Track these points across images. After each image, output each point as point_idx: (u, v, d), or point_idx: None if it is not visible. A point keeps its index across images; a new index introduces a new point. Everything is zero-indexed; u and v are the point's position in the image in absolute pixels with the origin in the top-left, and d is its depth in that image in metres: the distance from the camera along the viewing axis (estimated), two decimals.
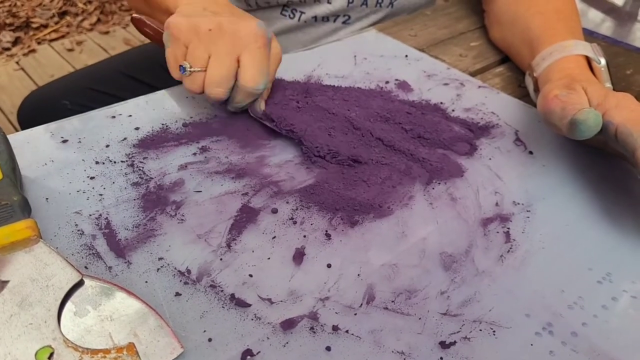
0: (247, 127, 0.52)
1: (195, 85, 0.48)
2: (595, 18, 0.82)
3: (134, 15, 0.55)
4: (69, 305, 0.33)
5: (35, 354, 0.30)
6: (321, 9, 0.76)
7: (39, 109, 0.86)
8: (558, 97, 0.45)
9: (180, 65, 0.48)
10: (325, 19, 0.77)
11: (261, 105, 0.51)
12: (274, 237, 0.41)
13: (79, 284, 0.34)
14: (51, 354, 0.30)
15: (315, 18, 0.77)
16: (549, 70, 0.53)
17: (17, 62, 2.07)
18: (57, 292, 0.33)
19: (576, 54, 0.52)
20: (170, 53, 0.49)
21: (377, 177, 0.46)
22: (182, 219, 0.42)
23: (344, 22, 0.77)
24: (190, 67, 0.48)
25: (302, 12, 0.76)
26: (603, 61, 0.52)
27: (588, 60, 0.53)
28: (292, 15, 0.77)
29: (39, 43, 2.21)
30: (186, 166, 0.47)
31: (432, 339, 0.34)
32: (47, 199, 0.43)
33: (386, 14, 0.78)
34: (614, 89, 0.51)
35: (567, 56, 0.53)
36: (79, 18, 2.38)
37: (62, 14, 2.39)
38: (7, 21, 2.27)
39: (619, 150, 0.43)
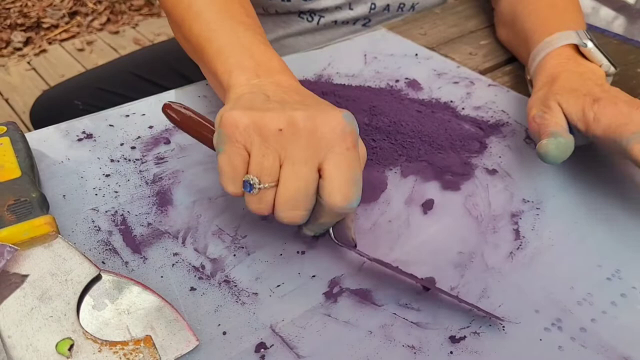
0: None
1: (264, 205, 0.35)
2: (607, 16, 0.82)
3: (167, 103, 0.42)
4: (87, 299, 0.34)
5: (56, 346, 0.31)
6: (342, 15, 0.75)
7: (51, 109, 0.87)
8: (534, 120, 0.46)
9: (245, 181, 0.35)
10: (345, 22, 0.77)
11: (352, 233, 0.39)
12: (286, 232, 0.41)
13: (97, 278, 0.35)
14: (71, 346, 0.31)
15: (335, 22, 0.76)
16: (536, 73, 0.53)
17: (28, 62, 2.10)
18: (76, 286, 0.34)
19: (560, 46, 0.52)
20: (225, 160, 0.35)
21: (385, 173, 0.46)
22: (196, 216, 0.42)
23: (363, 25, 0.78)
24: (260, 183, 0.35)
25: (321, 16, 0.75)
26: (589, 44, 0.51)
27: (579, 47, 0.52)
28: (310, 19, 0.76)
29: (49, 43, 2.23)
30: (199, 164, 0.47)
31: (442, 334, 0.35)
32: (64, 196, 0.44)
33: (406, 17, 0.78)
34: (622, 85, 0.51)
35: (552, 52, 0.52)
36: (89, 18, 2.40)
37: (73, 14, 2.41)
38: (19, 21, 2.29)
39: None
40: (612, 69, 0.51)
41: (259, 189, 0.35)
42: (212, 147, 0.39)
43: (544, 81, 0.50)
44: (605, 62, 0.51)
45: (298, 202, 0.35)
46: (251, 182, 0.35)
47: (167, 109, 0.42)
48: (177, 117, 0.41)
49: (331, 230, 0.38)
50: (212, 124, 0.40)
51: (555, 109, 0.46)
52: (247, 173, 0.35)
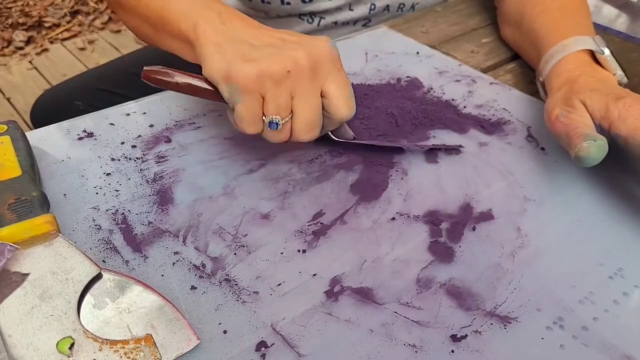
0: None
1: (284, 135, 0.43)
2: (609, 14, 0.82)
3: (147, 68, 0.43)
4: (88, 297, 0.34)
5: (57, 344, 0.31)
6: (342, 16, 0.75)
7: (52, 109, 0.87)
8: (559, 120, 0.45)
9: (270, 122, 0.41)
10: (345, 23, 0.77)
11: (347, 129, 0.48)
12: (287, 231, 0.41)
13: (98, 277, 0.35)
14: (72, 345, 0.31)
15: (335, 23, 0.76)
16: (551, 75, 0.52)
17: (30, 62, 2.10)
18: (77, 285, 0.34)
19: (576, 50, 0.52)
20: (244, 109, 0.41)
21: (387, 171, 0.46)
22: (196, 214, 0.42)
23: (363, 25, 0.77)
24: (282, 119, 0.41)
25: (322, 18, 0.75)
26: (607, 51, 0.51)
27: (594, 53, 0.52)
28: (310, 20, 0.76)
29: (51, 42, 2.23)
30: (199, 163, 0.47)
31: (444, 333, 0.35)
32: (64, 194, 0.43)
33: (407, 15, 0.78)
34: (628, 82, 0.51)
35: (568, 56, 0.51)
36: (91, 17, 2.40)
37: (74, 13, 2.41)
38: (20, 20, 2.30)
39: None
40: (624, 79, 0.51)
41: (283, 124, 0.41)
42: (202, 97, 0.43)
43: (562, 83, 0.49)
44: (619, 71, 0.51)
45: (313, 125, 0.42)
46: (275, 121, 0.41)
47: (161, 81, 0.43)
48: (162, 80, 0.43)
49: (330, 132, 0.46)
50: (192, 75, 0.43)
51: (580, 108, 0.45)
52: (263, 114, 0.41)
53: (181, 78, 0.43)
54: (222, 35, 0.42)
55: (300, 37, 0.43)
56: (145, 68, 0.43)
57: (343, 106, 0.42)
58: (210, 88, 0.42)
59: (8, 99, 1.90)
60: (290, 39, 0.42)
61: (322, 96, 0.42)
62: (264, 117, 0.41)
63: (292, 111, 0.42)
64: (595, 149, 0.41)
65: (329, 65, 0.41)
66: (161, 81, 0.43)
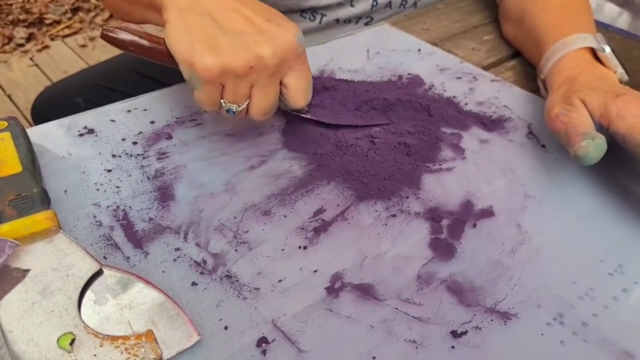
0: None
1: (239, 116, 0.45)
2: (611, 12, 0.82)
3: (105, 27, 0.42)
4: (88, 294, 0.34)
5: (57, 340, 0.31)
6: (344, 12, 0.75)
7: (52, 106, 0.87)
8: (559, 118, 0.45)
9: (228, 109, 0.44)
10: (347, 21, 0.76)
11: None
12: (288, 227, 0.41)
13: (98, 273, 0.35)
14: (73, 340, 0.31)
15: (337, 20, 0.76)
16: (551, 73, 0.52)
17: (31, 59, 2.10)
18: (77, 281, 0.34)
19: (577, 48, 0.51)
20: (203, 96, 0.43)
21: (387, 168, 0.46)
22: (197, 211, 0.42)
23: (365, 24, 0.77)
24: (239, 106, 0.44)
25: (323, 15, 0.75)
26: (607, 49, 0.51)
27: (594, 51, 0.52)
28: (312, 18, 0.75)
29: (52, 39, 2.23)
30: (200, 159, 0.47)
31: (444, 329, 0.35)
32: (65, 191, 0.44)
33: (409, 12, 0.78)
34: (629, 79, 0.51)
35: (568, 53, 0.51)
36: (92, 14, 2.40)
37: (75, 10, 2.41)
38: (21, 17, 2.29)
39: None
40: (625, 77, 0.51)
41: (239, 111, 0.44)
42: (161, 62, 0.44)
43: (562, 81, 0.49)
44: (620, 69, 0.51)
45: (268, 112, 0.45)
46: (232, 109, 0.43)
47: (120, 40, 0.43)
48: (132, 47, 0.43)
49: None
50: (152, 39, 0.43)
51: (580, 106, 0.45)
52: (222, 98, 0.43)
53: (137, 39, 0.42)
54: (191, 4, 0.42)
55: (268, 23, 0.42)
56: (103, 27, 0.43)
57: (299, 98, 0.46)
58: (167, 53, 0.42)
59: (9, 96, 1.90)
60: (259, 24, 0.42)
61: (281, 85, 0.44)
62: (222, 101, 0.43)
63: (249, 97, 0.43)
64: (593, 148, 0.41)
65: (294, 60, 0.43)
66: (116, 40, 0.42)
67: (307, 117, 0.50)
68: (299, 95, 0.45)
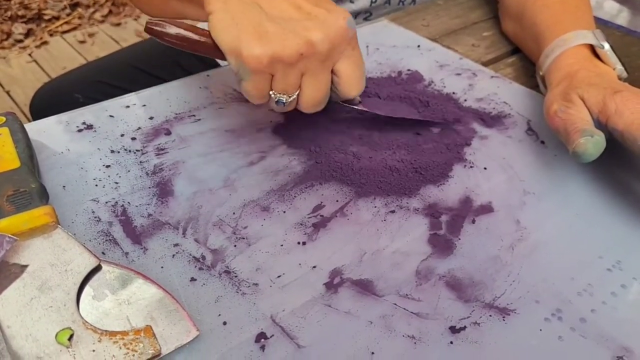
0: (258, 115, 0.52)
1: (289, 108, 0.43)
2: (611, 9, 0.82)
3: (150, 21, 0.42)
4: (87, 289, 0.34)
5: (56, 336, 0.31)
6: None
7: (51, 101, 0.87)
8: (558, 115, 0.45)
9: (278, 100, 0.42)
10: None
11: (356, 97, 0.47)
12: (287, 223, 0.41)
13: (97, 269, 0.35)
14: (71, 336, 0.31)
15: None
16: (551, 70, 0.52)
17: (29, 55, 2.09)
18: (76, 276, 0.34)
19: (576, 44, 0.51)
20: (251, 86, 0.41)
21: (385, 165, 0.46)
22: (196, 206, 0.42)
23: (364, 19, 0.77)
24: (289, 96, 0.42)
25: None
26: (606, 45, 0.50)
27: (594, 47, 0.52)
28: None
29: (51, 35, 2.23)
30: (199, 155, 0.47)
31: (443, 324, 0.35)
32: (64, 186, 0.43)
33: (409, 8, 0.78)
34: (628, 76, 0.51)
35: (567, 50, 0.51)
36: (91, 10, 2.40)
37: (74, 6, 2.41)
38: (20, 13, 2.29)
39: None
40: (624, 74, 0.51)
41: (290, 102, 0.42)
42: (205, 53, 0.42)
43: (561, 77, 0.49)
44: (619, 65, 0.50)
45: (320, 102, 0.43)
46: (282, 100, 0.41)
47: (164, 34, 0.41)
48: (178, 41, 0.42)
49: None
50: (196, 30, 0.42)
51: (578, 103, 0.44)
52: (271, 88, 0.41)
53: (183, 31, 0.41)
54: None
55: (317, 8, 0.41)
56: (148, 20, 0.41)
57: (353, 86, 0.43)
58: (213, 45, 0.41)
59: (7, 92, 1.90)
60: (307, 9, 0.40)
61: (333, 73, 0.42)
62: (271, 93, 0.42)
63: (300, 87, 0.41)
64: (592, 145, 0.41)
65: (345, 45, 0.41)
66: (162, 33, 0.41)
67: (360, 108, 0.48)
68: (351, 83, 0.43)
